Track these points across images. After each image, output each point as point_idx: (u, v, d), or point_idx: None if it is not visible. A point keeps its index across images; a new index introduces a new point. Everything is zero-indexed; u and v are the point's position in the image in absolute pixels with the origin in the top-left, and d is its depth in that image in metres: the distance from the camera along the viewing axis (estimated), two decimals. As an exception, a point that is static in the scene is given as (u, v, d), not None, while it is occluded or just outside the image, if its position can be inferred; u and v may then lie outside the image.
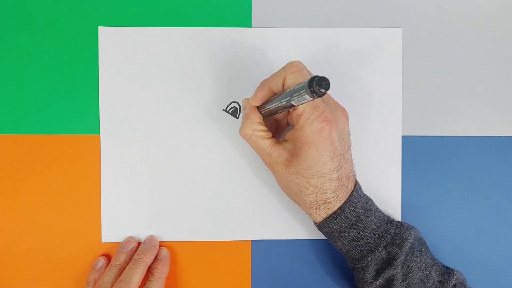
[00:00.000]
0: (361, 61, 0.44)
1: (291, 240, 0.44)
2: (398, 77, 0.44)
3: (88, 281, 0.41)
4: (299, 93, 0.30)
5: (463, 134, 0.44)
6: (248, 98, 0.39)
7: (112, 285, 0.39)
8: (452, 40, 0.44)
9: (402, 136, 0.44)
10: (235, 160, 0.43)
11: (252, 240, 0.44)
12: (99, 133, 0.43)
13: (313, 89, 0.29)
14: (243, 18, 0.43)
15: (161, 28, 0.43)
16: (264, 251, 0.44)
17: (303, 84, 0.30)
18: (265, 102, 0.38)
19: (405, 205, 0.44)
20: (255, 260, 0.44)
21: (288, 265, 0.44)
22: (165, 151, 0.43)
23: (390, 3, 0.44)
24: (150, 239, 0.43)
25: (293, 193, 0.38)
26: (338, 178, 0.36)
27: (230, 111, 0.43)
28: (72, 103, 0.43)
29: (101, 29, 0.43)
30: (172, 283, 0.43)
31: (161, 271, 0.41)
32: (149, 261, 0.41)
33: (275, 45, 0.43)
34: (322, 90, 0.28)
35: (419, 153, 0.44)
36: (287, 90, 0.33)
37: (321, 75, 0.29)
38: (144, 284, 0.40)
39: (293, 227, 0.44)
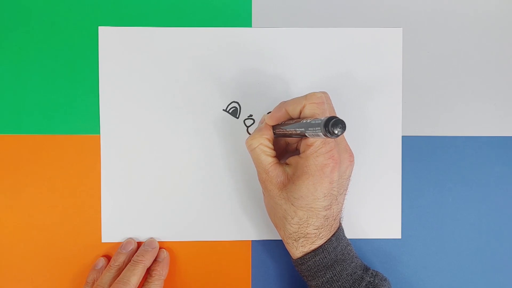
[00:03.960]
0: (361, 61, 0.44)
1: (291, 240, 0.44)
2: (398, 77, 0.44)
3: (87, 281, 0.41)
4: (314, 128, 0.31)
5: (463, 134, 0.44)
6: (268, 114, 0.38)
7: (110, 286, 0.39)
8: (452, 40, 0.44)
9: (402, 136, 0.44)
10: (235, 160, 0.43)
11: (252, 240, 0.44)
12: (99, 133, 0.43)
13: (328, 129, 0.29)
14: (243, 18, 0.43)
15: (161, 28, 0.43)
16: (264, 251, 0.44)
17: (319, 121, 0.30)
18: (280, 123, 0.37)
19: (405, 205, 0.44)
20: (255, 260, 0.44)
21: (288, 265, 0.44)
22: (165, 151, 0.43)
23: (390, 3, 0.44)
24: (150, 241, 0.43)
25: (276, 217, 0.38)
26: (325, 217, 0.36)
27: (230, 111, 0.43)
28: (72, 103, 0.43)
29: (101, 29, 0.43)
30: (172, 283, 0.43)
31: (160, 272, 0.41)
32: (148, 262, 0.41)
33: (275, 45, 0.43)
34: (337, 132, 0.29)
35: (419, 153, 0.44)
36: (303, 121, 0.33)
37: (339, 117, 0.29)
38: (142, 286, 0.40)
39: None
